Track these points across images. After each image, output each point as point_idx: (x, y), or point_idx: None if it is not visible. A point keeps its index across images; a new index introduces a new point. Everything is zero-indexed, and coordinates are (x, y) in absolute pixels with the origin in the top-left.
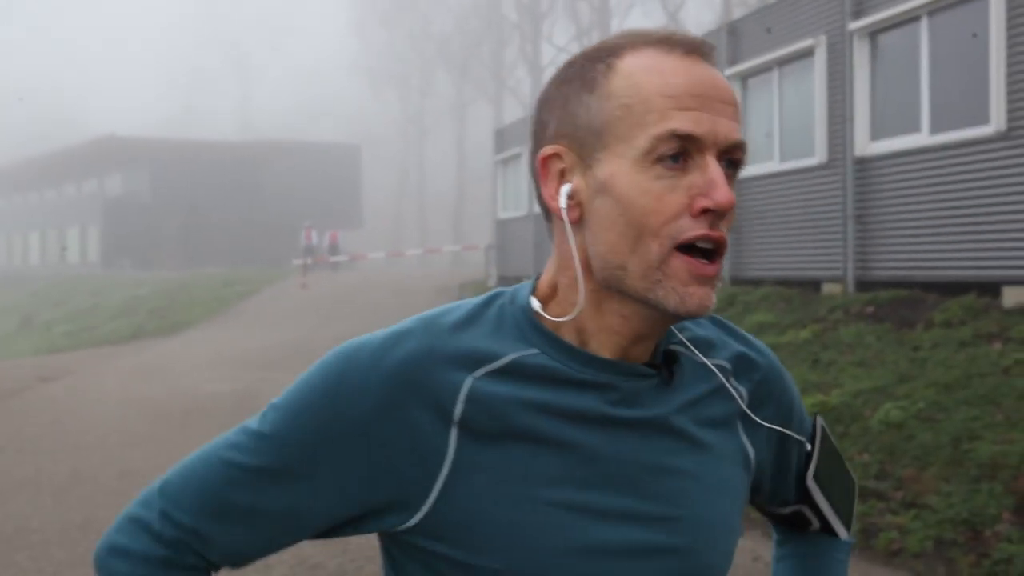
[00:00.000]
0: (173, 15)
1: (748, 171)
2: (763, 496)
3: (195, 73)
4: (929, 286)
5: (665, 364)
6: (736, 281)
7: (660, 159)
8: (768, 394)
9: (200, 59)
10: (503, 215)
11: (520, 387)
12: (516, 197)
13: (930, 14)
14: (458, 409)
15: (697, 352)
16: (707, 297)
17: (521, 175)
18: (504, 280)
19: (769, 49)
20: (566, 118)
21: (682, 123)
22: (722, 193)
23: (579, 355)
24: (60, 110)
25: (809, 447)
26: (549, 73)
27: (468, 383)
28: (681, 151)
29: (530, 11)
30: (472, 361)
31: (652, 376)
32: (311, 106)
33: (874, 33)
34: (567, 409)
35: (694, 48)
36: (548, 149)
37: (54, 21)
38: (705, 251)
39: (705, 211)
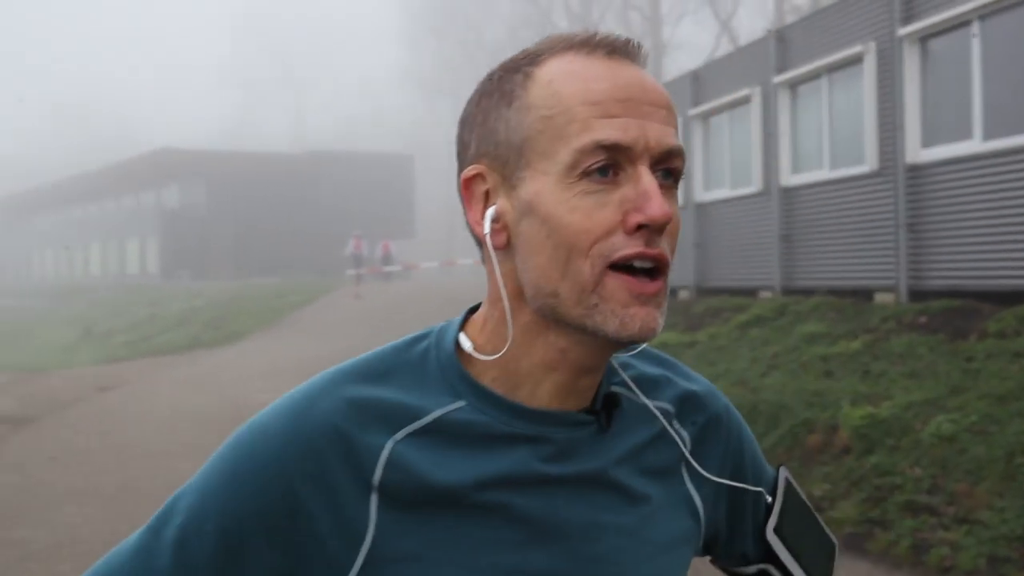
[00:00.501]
0: (228, 30)
1: (799, 180)
2: (720, 551)
3: (249, 87)
4: (983, 295)
5: (604, 408)
6: (787, 291)
7: (586, 173)
8: (714, 438)
9: (254, 73)
10: None
11: (444, 449)
12: None
13: (981, 18)
14: (378, 475)
15: (640, 393)
16: (650, 318)
17: None
18: None
19: (818, 56)
20: (486, 135)
21: (607, 132)
22: (656, 206)
23: (508, 407)
24: (118, 124)
25: (770, 499)
26: None
27: (389, 447)
28: (609, 163)
29: (581, 20)
30: (393, 419)
31: (589, 424)
32: (364, 117)
33: (924, 38)
34: (495, 471)
35: (618, 48)
36: (469, 170)
37: (112, 37)
38: (646, 270)
39: (640, 227)
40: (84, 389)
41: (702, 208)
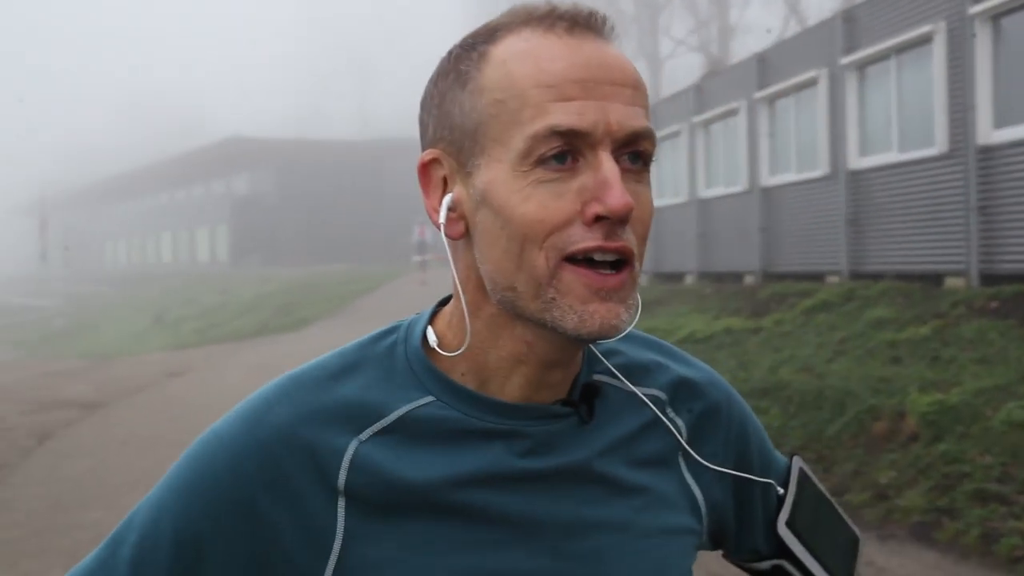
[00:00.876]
0: (295, 20)
1: (867, 162)
2: (730, 544)
3: (317, 75)
4: None
5: (585, 399)
6: (855, 276)
7: (541, 161)
8: (714, 426)
9: (322, 61)
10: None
11: (413, 447)
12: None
13: None
14: (342, 478)
15: (626, 381)
16: (612, 314)
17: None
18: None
19: (887, 36)
20: (442, 118)
21: (561, 117)
22: (616, 196)
23: (478, 401)
24: (191, 116)
25: (781, 491)
26: (668, 67)
27: (352, 447)
28: (566, 150)
29: (647, 4)
30: (356, 418)
31: (568, 416)
32: None
33: (996, 16)
34: (468, 469)
35: (579, 22)
36: (425, 155)
37: (182, 28)
38: (608, 262)
39: (599, 218)
40: (154, 375)
41: (768, 192)
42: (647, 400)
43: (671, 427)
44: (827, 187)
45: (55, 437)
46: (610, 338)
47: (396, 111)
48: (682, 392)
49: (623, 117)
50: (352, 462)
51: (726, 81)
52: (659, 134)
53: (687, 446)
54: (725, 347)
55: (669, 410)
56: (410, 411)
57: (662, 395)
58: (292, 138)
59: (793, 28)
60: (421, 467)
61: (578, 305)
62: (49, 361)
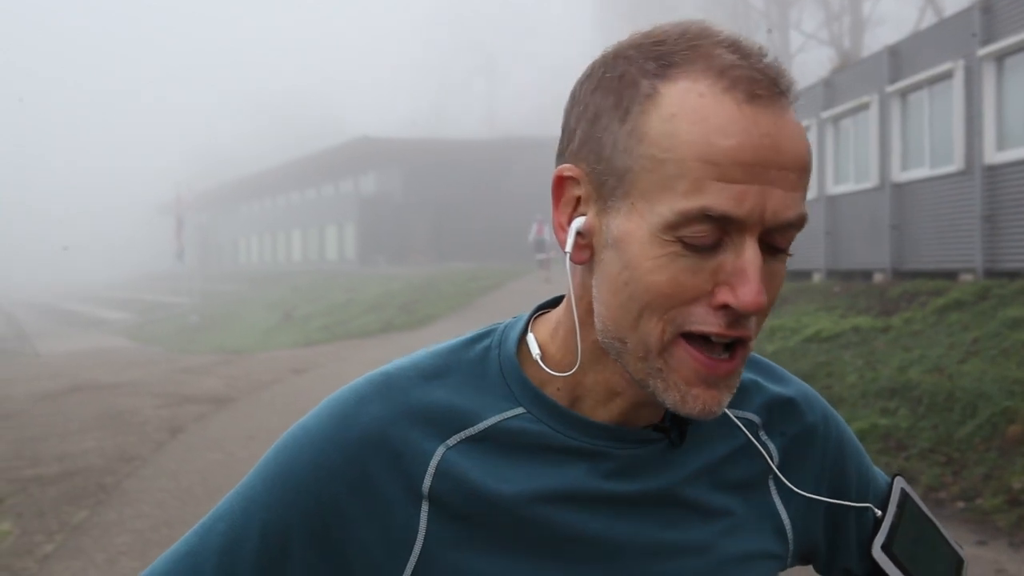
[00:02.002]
0: (424, 21)
1: (1004, 157)
2: (820, 565)
3: (445, 75)
4: None
5: (676, 422)
6: (990, 274)
7: (685, 242)
8: (809, 450)
9: (449, 61)
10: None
11: (499, 458)
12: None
13: None
14: (427, 483)
15: None
16: (714, 401)
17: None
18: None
19: None
20: (591, 140)
21: (719, 200)
22: (750, 293)
23: (569, 418)
24: (323, 117)
25: (880, 513)
26: (799, 62)
27: (440, 453)
28: (715, 242)
29: (778, 2)
30: (444, 423)
31: (658, 441)
32: (557, 105)
33: None
34: (552, 485)
35: (762, 89)
36: (566, 169)
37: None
38: (723, 344)
39: (726, 306)
40: (281, 371)
41: (898, 188)
42: (740, 424)
43: (763, 451)
44: (962, 182)
45: (186, 431)
46: (704, 420)
47: (522, 112)
48: (777, 414)
49: (780, 207)
50: (438, 468)
51: (856, 74)
52: None
53: (778, 471)
54: (852, 346)
55: (762, 433)
56: (500, 422)
57: (756, 418)
58: (419, 137)
59: (930, 19)
60: (506, 480)
61: (683, 386)
62: (183, 356)
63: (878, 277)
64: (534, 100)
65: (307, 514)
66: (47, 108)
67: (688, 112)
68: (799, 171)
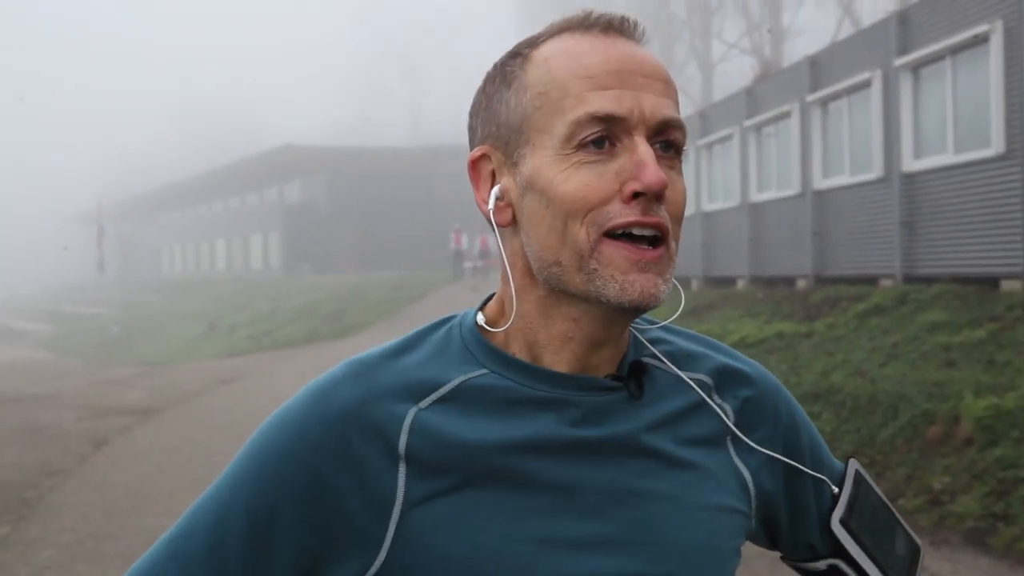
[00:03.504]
0: (348, 30)
1: (921, 165)
2: (784, 541)
3: (368, 82)
4: None
5: (633, 377)
6: (909, 279)
7: (582, 145)
8: (761, 414)
9: (374, 70)
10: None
11: (469, 414)
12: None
13: None
14: (402, 442)
15: (671, 365)
16: (651, 284)
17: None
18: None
19: (942, 36)
20: (489, 118)
21: (600, 104)
22: (651, 173)
23: (531, 371)
24: (244, 125)
25: (836, 489)
26: (721, 72)
27: (411, 414)
28: (605, 135)
29: (699, 7)
30: (415, 390)
31: (617, 389)
32: None
33: None
34: (522, 435)
35: (613, 25)
36: (475, 151)
37: (236, 40)
38: (646, 237)
39: (636, 195)
40: (207, 382)
41: (819, 196)
42: (693, 384)
43: (719, 411)
44: (881, 190)
45: (111, 443)
46: (649, 307)
47: (446, 119)
48: (728, 379)
49: (655, 106)
50: (412, 426)
51: (778, 84)
52: (711, 138)
53: (735, 429)
54: (777, 351)
55: (715, 395)
56: (466, 380)
57: (708, 380)
58: (344, 145)
59: (847, 30)
60: (478, 430)
61: (619, 275)
62: (104, 368)
63: (801, 283)
64: (457, 106)
65: (293, 488)
66: None
67: (558, 52)
68: (663, 81)
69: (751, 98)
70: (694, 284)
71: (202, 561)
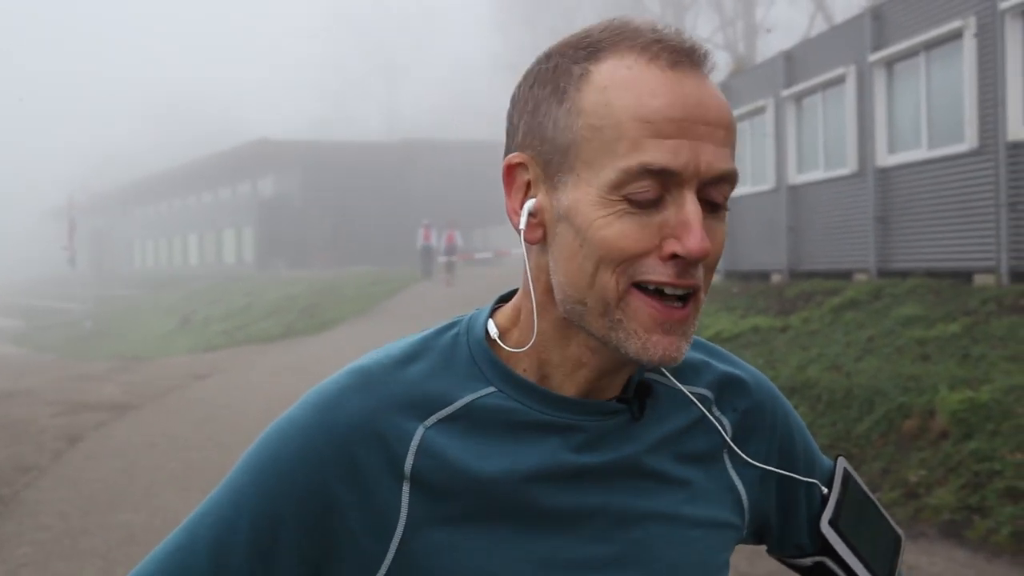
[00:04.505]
0: (321, 21)
1: (895, 160)
2: (773, 541)
3: (343, 76)
4: None
5: (637, 396)
6: (883, 273)
7: (630, 199)
8: (759, 425)
9: (350, 64)
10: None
11: (475, 436)
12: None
13: None
14: (409, 462)
15: (674, 380)
16: (673, 347)
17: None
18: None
19: (915, 33)
20: (534, 127)
21: (656, 155)
22: (695, 239)
23: (539, 393)
24: (218, 119)
25: (825, 490)
26: None
27: (419, 433)
28: (656, 197)
29: (673, 3)
30: (422, 405)
31: (621, 413)
32: (455, 105)
33: None
34: (528, 464)
35: (682, 57)
36: (514, 157)
37: (207, 31)
38: (676, 295)
39: (674, 256)
40: (182, 377)
41: (794, 190)
42: (694, 399)
43: (717, 425)
44: (855, 184)
45: (85, 439)
46: (667, 367)
47: (422, 113)
48: (728, 391)
49: (713, 159)
50: (419, 447)
51: (753, 79)
52: None
53: (732, 444)
54: (752, 346)
55: (715, 408)
56: (473, 400)
57: (708, 393)
58: (319, 139)
59: (820, 26)
60: (484, 457)
61: (642, 332)
62: (78, 363)
63: (776, 278)
64: (434, 100)
65: (298, 502)
66: None
67: (619, 82)
68: (725, 128)
69: (725, 93)
70: None
71: None
